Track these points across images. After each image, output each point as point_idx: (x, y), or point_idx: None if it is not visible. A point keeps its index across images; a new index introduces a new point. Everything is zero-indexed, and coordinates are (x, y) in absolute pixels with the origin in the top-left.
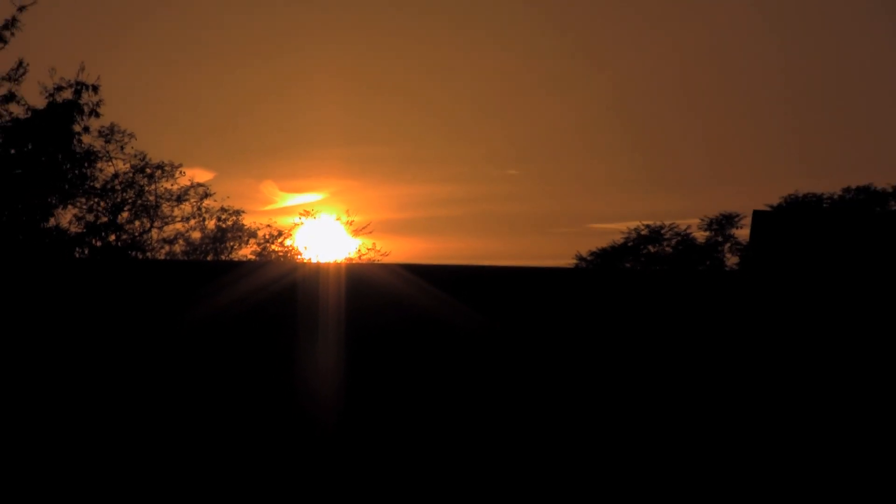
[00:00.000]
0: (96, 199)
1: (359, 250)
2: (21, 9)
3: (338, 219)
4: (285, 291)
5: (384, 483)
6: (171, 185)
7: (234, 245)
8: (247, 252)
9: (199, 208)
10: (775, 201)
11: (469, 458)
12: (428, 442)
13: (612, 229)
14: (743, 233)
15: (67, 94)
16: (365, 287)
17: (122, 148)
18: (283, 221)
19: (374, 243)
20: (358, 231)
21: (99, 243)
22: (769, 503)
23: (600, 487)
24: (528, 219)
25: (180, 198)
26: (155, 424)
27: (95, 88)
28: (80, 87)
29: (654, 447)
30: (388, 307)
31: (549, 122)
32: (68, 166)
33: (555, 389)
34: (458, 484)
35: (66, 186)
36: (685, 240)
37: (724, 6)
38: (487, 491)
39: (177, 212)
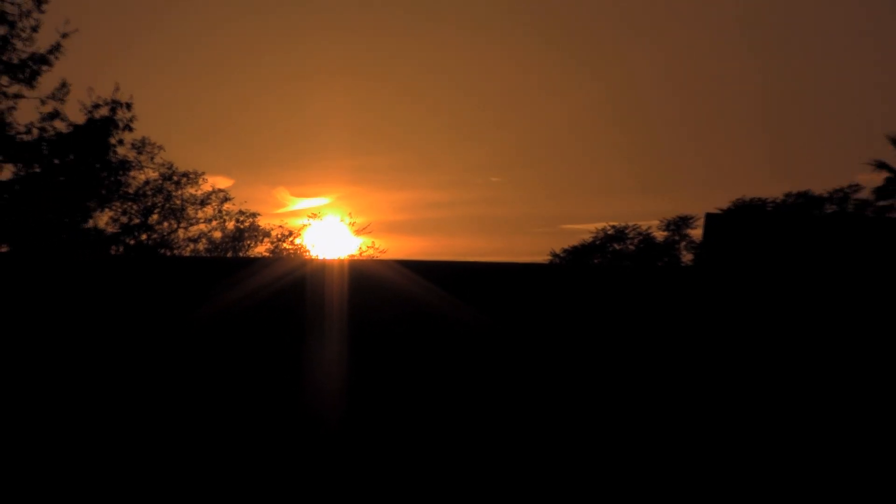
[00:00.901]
0: (129, 204)
1: (360, 248)
2: (64, 35)
3: (341, 220)
4: (295, 284)
5: (390, 465)
6: (195, 190)
7: (250, 243)
8: (261, 250)
9: (220, 211)
10: (725, 205)
11: (460, 441)
12: (418, 418)
13: (582, 229)
14: (696, 232)
15: (104, 111)
16: (365, 280)
17: (151, 158)
18: (293, 223)
19: (373, 242)
20: (359, 231)
21: (132, 242)
22: (728, 490)
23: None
24: (509, 220)
25: (203, 202)
26: (180, 403)
27: (129, 106)
28: (115, 104)
29: (625, 429)
30: (386, 298)
31: (527, 136)
32: (105, 174)
33: (538, 373)
34: (456, 469)
35: (104, 192)
36: (646, 239)
37: (681, 29)
38: (485, 478)
39: (200, 214)
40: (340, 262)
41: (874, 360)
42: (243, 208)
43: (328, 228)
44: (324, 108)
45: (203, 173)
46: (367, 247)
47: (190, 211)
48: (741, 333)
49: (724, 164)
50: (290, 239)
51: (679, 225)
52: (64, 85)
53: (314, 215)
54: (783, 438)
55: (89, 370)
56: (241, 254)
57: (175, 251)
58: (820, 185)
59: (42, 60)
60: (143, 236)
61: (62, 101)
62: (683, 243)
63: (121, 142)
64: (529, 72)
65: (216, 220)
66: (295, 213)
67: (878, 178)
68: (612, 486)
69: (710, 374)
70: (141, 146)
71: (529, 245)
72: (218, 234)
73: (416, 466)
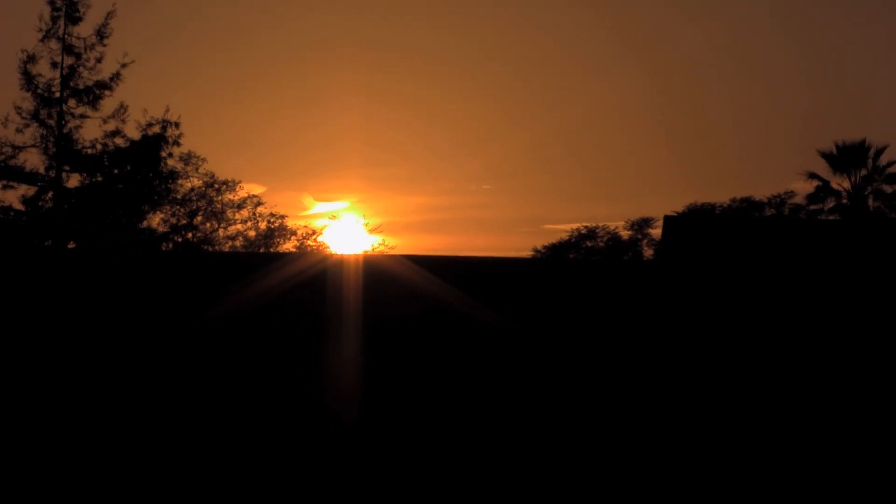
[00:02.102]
0: (177, 207)
1: (372, 245)
2: (123, 65)
3: (357, 221)
4: (318, 275)
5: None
6: (233, 196)
7: (279, 241)
8: (289, 246)
9: (254, 213)
10: (681, 208)
11: (459, 425)
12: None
13: (560, 229)
14: (656, 232)
15: (156, 129)
16: (377, 272)
17: (196, 169)
18: (316, 223)
19: (383, 239)
20: (372, 230)
21: (179, 239)
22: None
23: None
24: (498, 221)
25: (240, 206)
26: (225, 374)
27: (177, 124)
28: (165, 123)
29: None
30: (394, 287)
31: (514, 150)
32: (157, 182)
33: (522, 348)
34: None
35: (155, 198)
36: (613, 237)
37: (650, 58)
38: (482, 461)
39: (237, 216)
40: (356, 256)
41: (806, 339)
42: (273, 211)
43: (346, 228)
44: (342, 126)
45: (239, 181)
46: (379, 244)
47: (228, 213)
48: (696, 318)
49: (681, 173)
50: (314, 237)
51: (641, 225)
52: (122, 107)
53: (334, 217)
54: (738, 412)
55: (146, 348)
56: (271, 250)
57: (216, 247)
58: (761, 192)
59: (104, 86)
60: (189, 235)
61: (121, 120)
62: (645, 241)
63: (170, 155)
64: (513, 98)
65: (251, 221)
66: (317, 215)
67: (810, 186)
68: (588, 466)
69: (668, 354)
70: (187, 158)
71: (515, 242)
72: (252, 233)
73: (414, 437)
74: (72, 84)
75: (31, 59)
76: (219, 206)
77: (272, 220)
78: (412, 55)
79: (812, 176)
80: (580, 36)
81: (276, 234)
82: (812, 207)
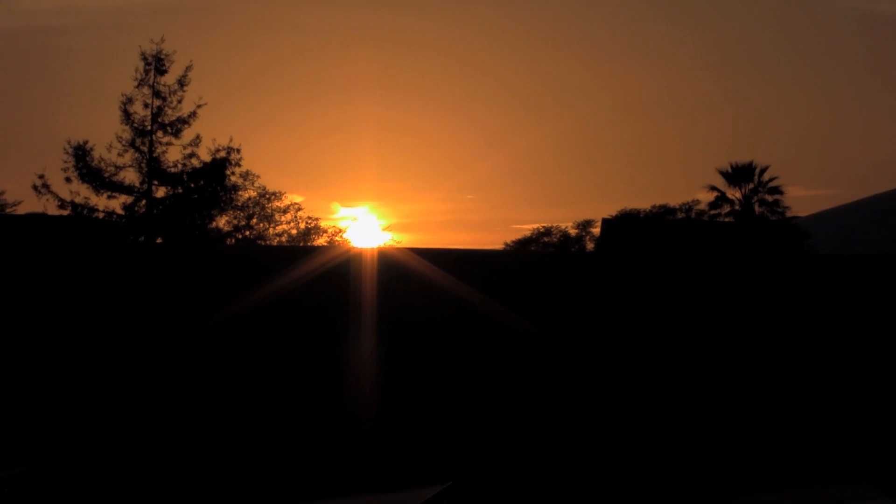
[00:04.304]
0: (238, 212)
1: (385, 240)
2: (198, 106)
3: (374, 222)
4: (343, 263)
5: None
6: (279, 203)
7: (314, 237)
8: (321, 241)
9: (295, 217)
10: (614, 212)
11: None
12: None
13: (525, 228)
14: (596, 230)
15: (222, 153)
16: (388, 261)
17: (252, 183)
18: (341, 224)
19: (392, 235)
20: (385, 229)
21: (240, 236)
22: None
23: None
24: (478, 222)
25: (284, 211)
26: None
27: (238, 150)
28: (229, 149)
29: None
30: (401, 271)
31: (490, 169)
32: (223, 194)
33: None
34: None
35: (221, 205)
36: (564, 234)
37: (586, 97)
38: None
39: (283, 219)
40: (372, 249)
41: (704, 308)
42: (310, 215)
43: (364, 227)
44: (362, 151)
45: (284, 192)
46: (390, 239)
47: (276, 216)
48: (626, 293)
49: (615, 185)
50: (340, 234)
51: (585, 225)
52: (197, 137)
53: (355, 219)
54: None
55: (223, 312)
56: (308, 244)
57: (266, 242)
58: (674, 200)
59: (183, 121)
60: (247, 233)
61: (196, 146)
62: (588, 237)
63: (232, 173)
64: (489, 129)
65: (293, 222)
66: (342, 218)
67: (711, 196)
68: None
69: (604, 321)
70: (245, 175)
71: (491, 238)
72: (294, 232)
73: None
74: (159, 120)
75: (129, 101)
76: (269, 211)
77: (309, 221)
78: (414, 97)
79: (712, 188)
80: (541, 75)
81: (312, 232)
82: (712, 212)
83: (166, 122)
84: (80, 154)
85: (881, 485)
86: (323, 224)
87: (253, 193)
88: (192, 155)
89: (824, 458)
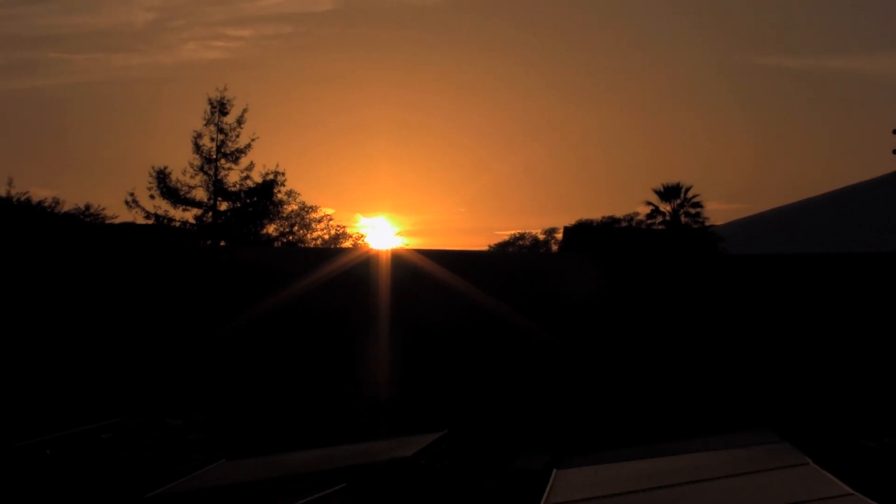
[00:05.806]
0: (283, 222)
1: (397, 244)
2: (253, 139)
3: (389, 229)
4: (365, 261)
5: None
6: (315, 215)
7: (342, 241)
8: (348, 244)
9: (328, 225)
10: (573, 221)
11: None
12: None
13: (504, 234)
14: (559, 236)
15: (271, 176)
16: (400, 260)
17: (294, 199)
18: (363, 230)
19: (403, 239)
20: (397, 234)
21: (284, 241)
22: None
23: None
24: (469, 231)
25: (319, 221)
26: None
27: (283, 173)
28: (276, 173)
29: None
30: (410, 267)
31: (478, 188)
32: (271, 207)
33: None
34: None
35: (270, 216)
36: (535, 239)
37: (565, 123)
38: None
39: (318, 227)
40: (387, 250)
41: (669, 306)
42: (339, 223)
43: (381, 233)
44: (379, 173)
45: (318, 206)
46: (401, 243)
47: (313, 225)
48: (582, 282)
49: (575, 199)
50: (362, 238)
51: (551, 232)
52: (252, 163)
53: (374, 227)
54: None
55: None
56: (338, 246)
57: (305, 245)
58: (620, 211)
59: (241, 152)
60: (290, 238)
61: (251, 170)
62: (553, 241)
63: (279, 191)
64: (473, 155)
65: (325, 229)
66: (364, 225)
67: (648, 209)
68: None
69: (567, 309)
70: (289, 193)
71: (477, 241)
72: (326, 237)
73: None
74: (222, 150)
75: (199, 135)
76: (307, 220)
77: (338, 228)
78: (417, 133)
79: (648, 203)
80: (515, 113)
81: (340, 237)
82: (649, 222)
83: (227, 152)
84: (161, 177)
85: (776, 430)
86: (349, 231)
87: (295, 207)
88: (247, 177)
89: (729, 413)
